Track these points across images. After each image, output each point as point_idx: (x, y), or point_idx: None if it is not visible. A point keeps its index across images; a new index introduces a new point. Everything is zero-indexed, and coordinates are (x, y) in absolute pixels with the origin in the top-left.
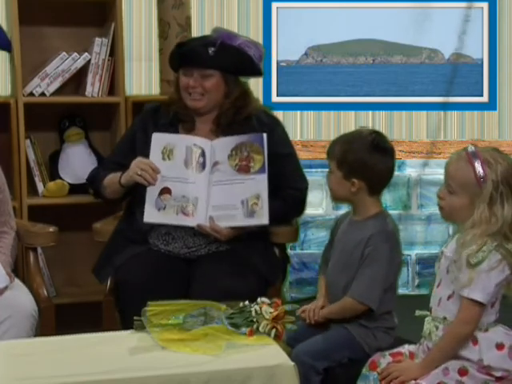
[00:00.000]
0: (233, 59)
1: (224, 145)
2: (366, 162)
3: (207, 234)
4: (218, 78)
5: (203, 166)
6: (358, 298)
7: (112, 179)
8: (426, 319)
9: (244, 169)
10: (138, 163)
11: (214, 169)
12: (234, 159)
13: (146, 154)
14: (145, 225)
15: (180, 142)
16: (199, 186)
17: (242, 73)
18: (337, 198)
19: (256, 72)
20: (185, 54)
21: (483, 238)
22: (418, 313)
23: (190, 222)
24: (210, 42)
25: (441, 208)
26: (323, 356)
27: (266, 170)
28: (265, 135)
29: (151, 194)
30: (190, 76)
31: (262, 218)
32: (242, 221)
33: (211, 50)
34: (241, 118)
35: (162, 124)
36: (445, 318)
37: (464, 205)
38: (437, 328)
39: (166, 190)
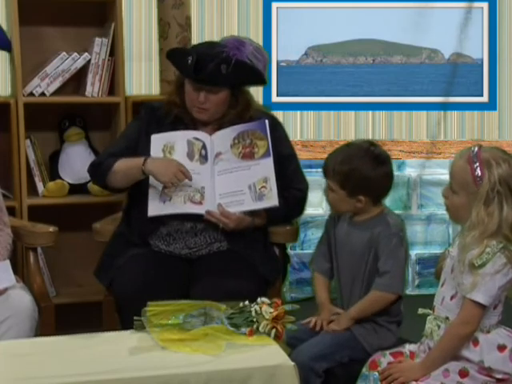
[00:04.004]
0: (243, 75)
1: (225, 136)
2: (370, 178)
3: (215, 224)
4: (227, 92)
5: (205, 158)
6: (385, 289)
7: (128, 164)
8: (428, 318)
9: (248, 155)
10: (176, 172)
11: (216, 160)
12: (237, 147)
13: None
14: (145, 227)
15: (180, 137)
16: (204, 176)
17: (249, 84)
18: (339, 212)
19: (262, 82)
20: (202, 78)
21: (483, 240)
22: (420, 311)
23: (198, 209)
24: (222, 60)
25: (447, 208)
26: (323, 357)
27: (271, 154)
28: (267, 121)
29: (154, 189)
30: (199, 91)
31: (272, 200)
32: (250, 205)
33: (223, 68)
34: (243, 121)
35: (163, 124)
36: (447, 318)
37: (463, 204)
38: (439, 327)
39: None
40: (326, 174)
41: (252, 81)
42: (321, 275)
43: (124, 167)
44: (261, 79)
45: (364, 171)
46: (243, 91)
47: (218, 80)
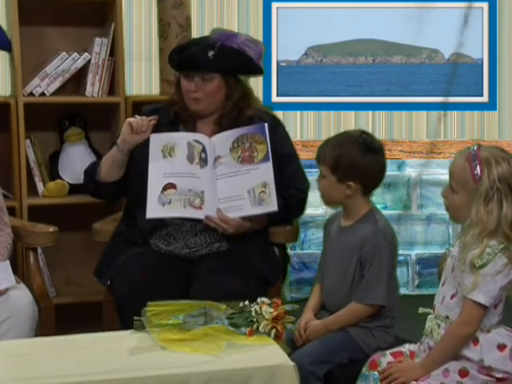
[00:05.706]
0: (232, 61)
1: (224, 139)
2: (359, 163)
3: (214, 228)
4: (219, 81)
5: (205, 161)
6: (364, 301)
7: (107, 156)
8: (429, 317)
9: (247, 159)
10: (125, 123)
11: (216, 163)
12: (236, 151)
13: (146, 155)
14: (145, 226)
15: (180, 138)
16: (204, 180)
17: (242, 73)
18: (330, 203)
19: (256, 71)
20: (185, 60)
21: (483, 238)
22: (421, 310)
23: (199, 214)
24: (209, 46)
25: (446, 207)
26: (323, 360)
27: (270, 159)
28: (266, 125)
29: (153, 190)
30: (190, 80)
31: (271, 205)
32: (249, 210)
33: (210, 54)
34: (243, 119)
35: (162, 125)
36: (447, 317)
37: (463, 203)
38: (439, 326)
39: (170, 186)
40: (318, 160)
41: (243, 67)
42: (318, 283)
43: (106, 156)
44: (253, 66)
45: (353, 156)
46: (239, 83)
47: (205, 65)
